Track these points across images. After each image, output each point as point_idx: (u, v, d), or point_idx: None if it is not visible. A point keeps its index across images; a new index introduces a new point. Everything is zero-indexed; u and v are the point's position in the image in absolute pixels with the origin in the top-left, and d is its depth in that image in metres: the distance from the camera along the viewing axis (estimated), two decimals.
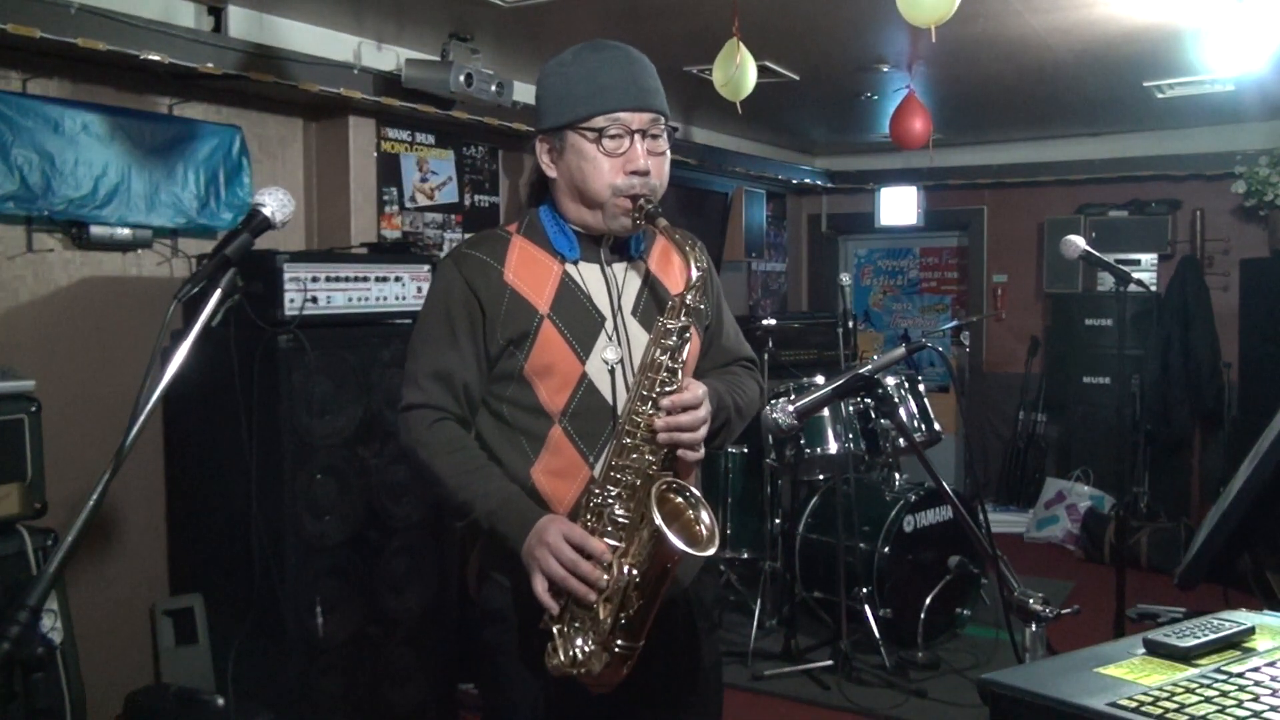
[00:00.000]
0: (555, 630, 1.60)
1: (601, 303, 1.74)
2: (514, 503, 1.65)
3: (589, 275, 1.75)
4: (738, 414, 1.82)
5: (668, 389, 1.62)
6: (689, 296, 1.65)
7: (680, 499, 1.61)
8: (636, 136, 1.68)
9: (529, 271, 1.73)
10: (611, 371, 1.71)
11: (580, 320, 1.71)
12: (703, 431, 1.65)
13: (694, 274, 1.65)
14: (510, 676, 1.75)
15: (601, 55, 1.71)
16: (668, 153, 1.75)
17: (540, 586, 1.57)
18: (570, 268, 1.74)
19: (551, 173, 1.75)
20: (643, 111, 1.69)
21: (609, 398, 1.70)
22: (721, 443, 1.86)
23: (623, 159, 1.68)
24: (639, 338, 1.73)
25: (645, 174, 1.68)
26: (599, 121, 1.67)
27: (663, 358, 1.63)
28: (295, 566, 3.08)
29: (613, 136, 1.67)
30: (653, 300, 1.78)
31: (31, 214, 3.11)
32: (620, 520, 1.60)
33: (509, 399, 1.73)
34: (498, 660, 1.77)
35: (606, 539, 1.59)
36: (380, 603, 3.34)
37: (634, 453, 1.61)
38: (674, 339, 1.63)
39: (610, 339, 1.72)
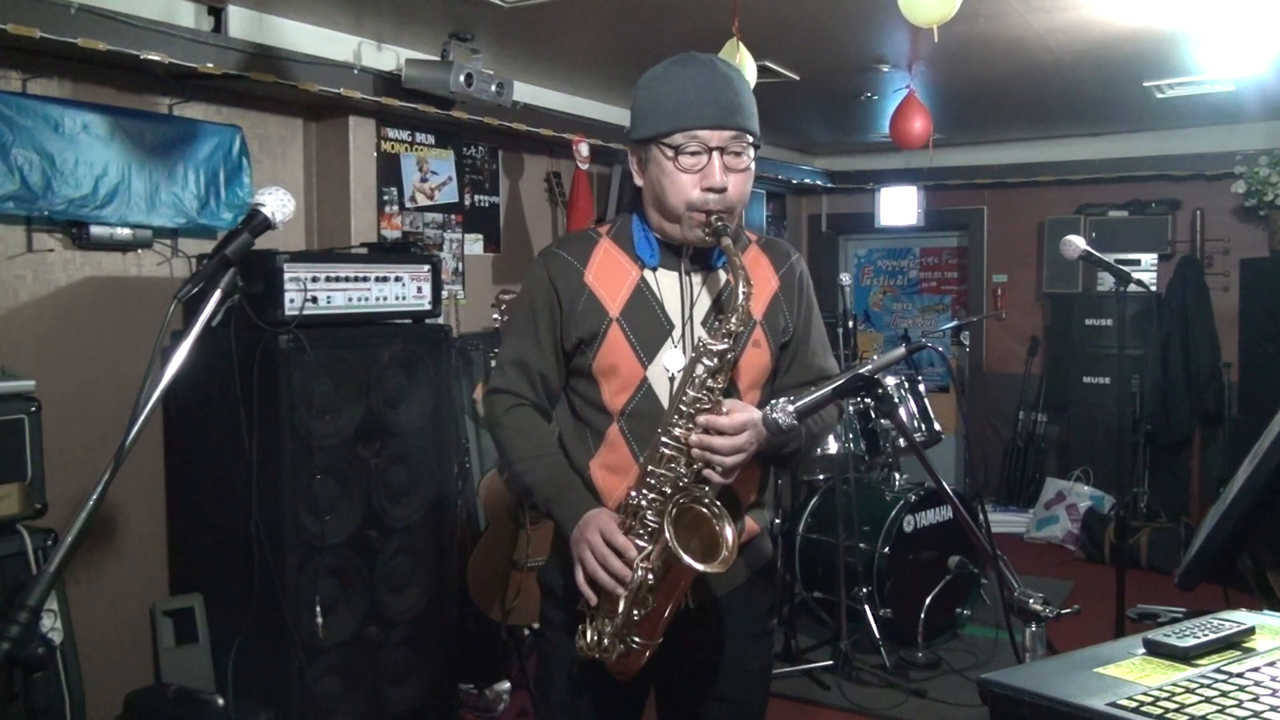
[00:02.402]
0: (588, 615, 1.70)
1: (673, 310, 1.78)
2: (569, 492, 1.76)
3: (665, 283, 1.80)
4: (810, 438, 1.84)
5: (704, 407, 1.66)
6: (733, 320, 1.67)
7: (704, 510, 1.65)
8: (715, 154, 1.71)
9: (608, 274, 1.80)
10: (672, 379, 1.75)
11: (648, 326, 1.77)
12: (736, 458, 1.66)
13: (739, 297, 1.67)
14: (556, 648, 1.88)
15: (688, 70, 1.75)
16: (751, 169, 1.77)
17: (581, 576, 1.67)
18: (648, 274, 1.80)
19: (639, 181, 1.82)
20: (723, 129, 1.71)
21: (666, 403, 1.74)
22: (795, 465, 1.92)
23: (699, 175, 1.71)
24: None
25: (721, 191, 1.71)
26: (678, 138, 1.71)
27: (703, 375, 1.66)
28: (295, 566, 3.08)
29: (691, 153, 1.71)
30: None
31: (31, 214, 3.11)
32: (649, 524, 1.66)
33: (580, 393, 1.84)
34: (546, 633, 1.93)
35: (637, 539, 1.65)
36: (380, 603, 3.34)
37: (670, 463, 1.66)
38: (715, 360, 1.66)
39: (676, 346, 1.76)
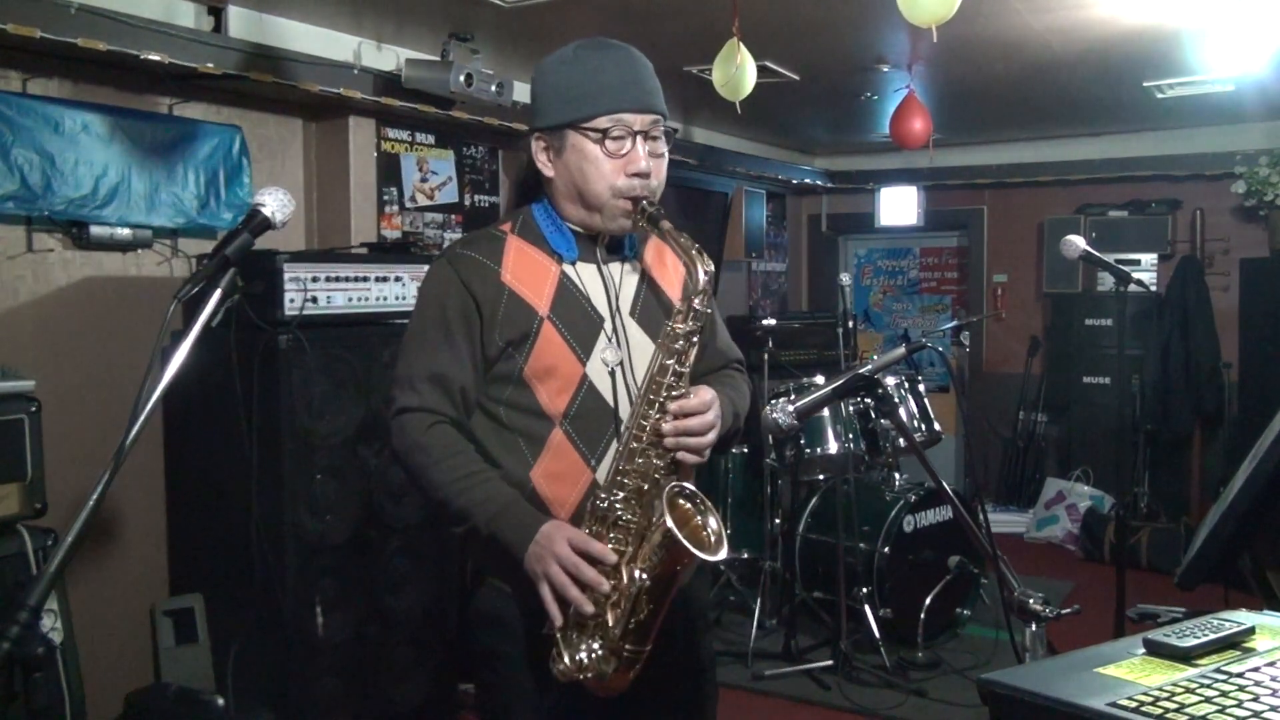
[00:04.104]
0: (559, 636, 1.59)
1: (600, 303, 1.72)
2: (515, 508, 1.62)
3: (587, 276, 1.73)
4: (737, 419, 1.82)
5: (674, 393, 1.62)
6: (696, 300, 1.63)
7: (688, 504, 1.61)
8: (638, 138, 1.67)
9: (527, 272, 1.70)
10: (612, 373, 1.70)
11: (580, 321, 1.70)
12: (710, 436, 1.64)
13: (702, 278, 1.63)
14: (510, 683, 1.73)
15: (604, 54, 1.70)
16: (666, 154, 1.74)
17: (547, 594, 1.56)
18: (568, 268, 1.72)
19: (549, 171, 1.73)
20: (645, 113, 1.68)
21: (609, 400, 1.69)
22: (729, 448, 1.88)
23: (624, 160, 1.66)
24: (637, 338, 1.73)
25: (646, 176, 1.67)
26: (602, 122, 1.65)
27: (670, 362, 1.62)
28: (295, 566, 3.08)
29: (615, 138, 1.66)
30: (650, 301, 1.77)
31: (31, 214, 3.11)
32: (627, 524, 1.59)
33: (506, 401, 1.70)
34: (497, 666, 1.75)
35: (613, 544, 1.58)
36: (380, 603, 3.34)
37: (640, 457, 1.61)
38: (681, 343, 1.63)
39: (610, 340, 1.70)
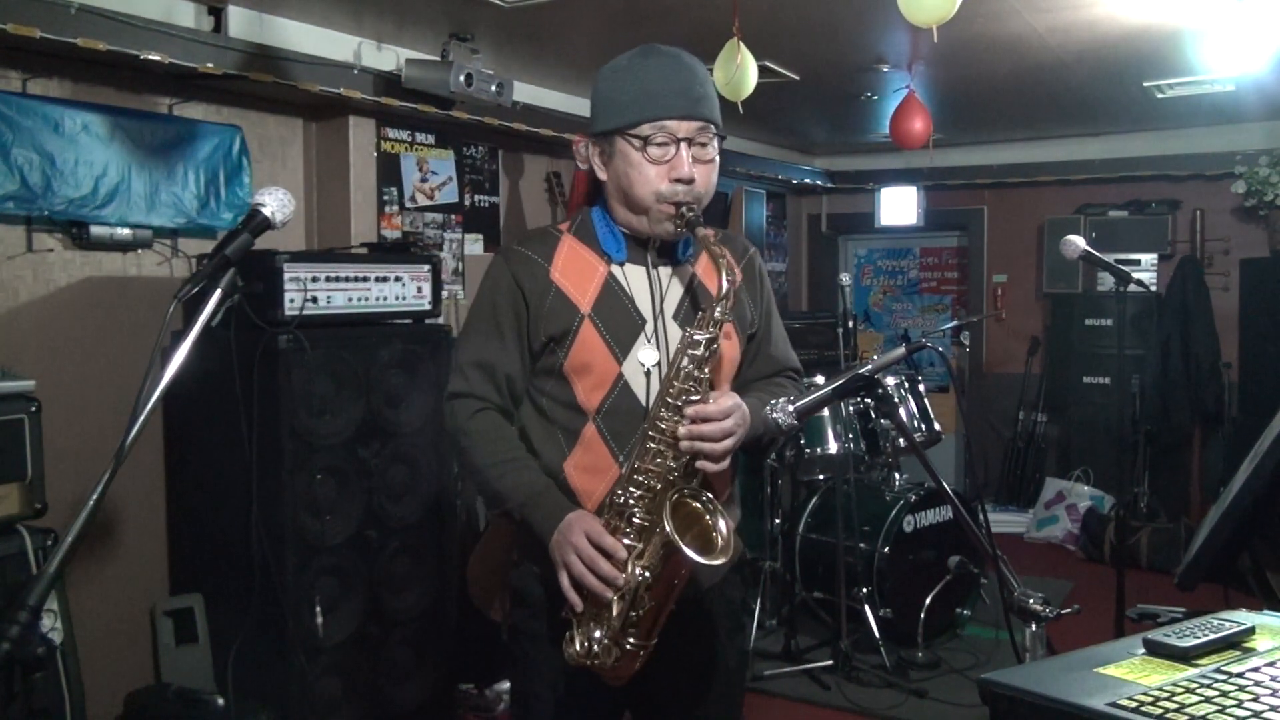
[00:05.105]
0: (574, 621, 1.66)
1: (644, 305, 1.76)
2: (544, 496, 1.70)
3: (634, 277, 1.78)
4: (770, 428, 1.83)
5: (693, 398, 1.64)
6: (718, 309, 1.66)
7: (698, 505, 1.64)
8: (683, 144, 1.70)
9: (575, 270, 1.77)
10: (648, 374, 1.74)
11: (620, 321, 1.74)
12: (727, 443, 1.66)
13: (724, 286, 1.66)
14: (536, 660, 1.81)
15: (652, 61, 1.74)
16: (716, 160, 1.76)
17: (566, 581, 1.63)
18: (616, 269, 1.78)
19: (602, 175, 1.79)
20: (690, 120, 1.71)
21: (643, 400, 1.73)
22: (769, 452, 1.89)
23: (668, 166, 1.70)
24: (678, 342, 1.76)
25: (690, 182, 1.71)
26: (645, 129, 1.70)
27: (689, 366, 1.65)
28: (295, 566, 3.08)
29: (659, 144, 1.70)
30: (695, 305, 1.79)
31: (31, 214, 3.11)
32: (640, 522, 1.63)
33: (549, 393, 1.78)
34: (524, 644, 1.84)
35: (625, 539, 1.62)
36: (380, 603, 3.34)
37: (657, 458, 1.64)
38: (701, 349, 1.66)
39: (649, 341, 1.74)
